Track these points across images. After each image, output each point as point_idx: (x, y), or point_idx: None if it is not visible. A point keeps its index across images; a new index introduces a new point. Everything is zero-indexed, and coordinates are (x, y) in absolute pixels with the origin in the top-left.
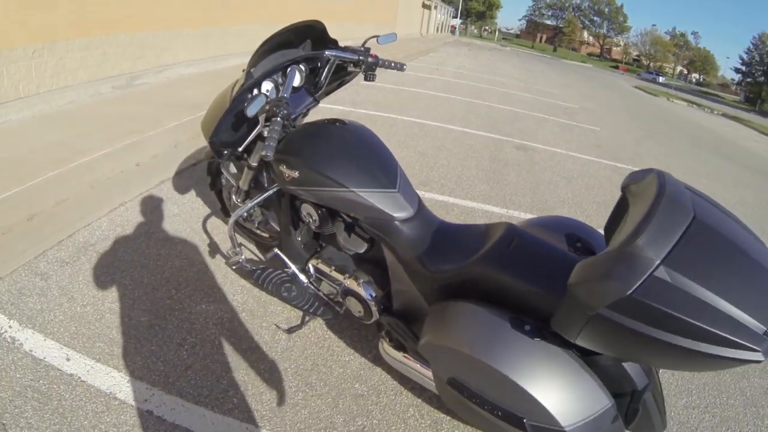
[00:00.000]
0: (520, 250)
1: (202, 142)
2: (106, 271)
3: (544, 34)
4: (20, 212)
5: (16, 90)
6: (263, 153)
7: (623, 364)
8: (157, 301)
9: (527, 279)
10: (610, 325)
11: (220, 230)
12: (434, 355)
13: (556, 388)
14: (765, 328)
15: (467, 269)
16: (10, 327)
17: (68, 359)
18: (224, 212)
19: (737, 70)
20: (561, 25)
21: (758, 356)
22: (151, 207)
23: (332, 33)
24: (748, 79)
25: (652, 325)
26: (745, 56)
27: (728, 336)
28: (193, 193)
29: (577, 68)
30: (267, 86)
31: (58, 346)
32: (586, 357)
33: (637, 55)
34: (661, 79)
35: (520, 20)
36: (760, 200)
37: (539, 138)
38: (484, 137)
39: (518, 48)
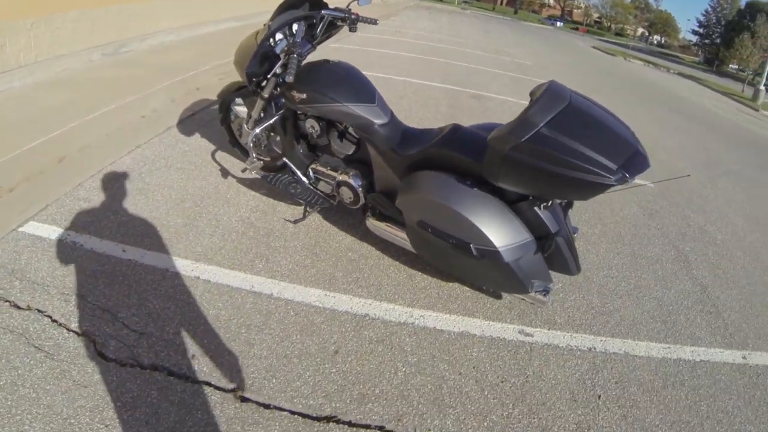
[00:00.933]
0: (461, 137)
1: (195, 98)
2: (138, 192)
3: None
4: (50, 157)
5: (18, 59)
6: (287, 77)
7: (538, 212)
8: (186, 209)
9: (465, 153)
10: (516, 164)
11: (227, 159)
12: (407, 206)
13: (491, 222)
14: (616, 165)
15: (427, 150)
16: (68, 235)
17: (124, 251)
18: (231, 142)
19: (695, 32)
20: None
21: (611, 181)
22: (164, 147)
23: None
24: (706, 41)
25: (542, 160)
26: (702, 19)
27: (592, 168)
28: (197, 135)
29: (537, 29)
30: (279, 36)
31: (113, 244)
32: (511, 205)
33: (599, 17)
34: (558, 24)
35: None
36: (698, 145)
37: (492, 89)
38: (443, 88)
39: (478, 11)
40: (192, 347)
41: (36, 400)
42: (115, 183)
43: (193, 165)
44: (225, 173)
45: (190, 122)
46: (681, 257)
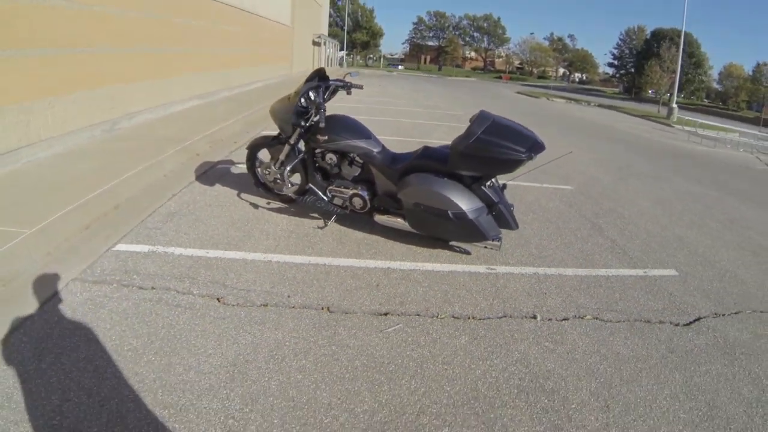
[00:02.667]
0: (431, 151)
1: (199, 161)
2: (196, 221)
3: (428, 55)
4: (106, 206)
5: (39, 134)
6: (320, 124)
7: (484, 189)
8: (239, 228)
9: (435, 160)
10: (468, 157)
11: (250, 197)
12: (405, 196)
13: (458, 196)
14: (525, 149)
15: (411, 163)
16: (157, 248)
17: (207, 252)
18: (256, 184)
19: (610, 65)
20: (443, 45)
21: (523, 157)
22: (196, 194)
23: (245, 75)
24: (622, 72)
25: (482, 152)
26: (615, 52)
27: (511, 152)
28: (218, 184)
29: (462, 83)
30: (312, 95)
31: (196, 249)
32: (468, 187)
33: (520, 63)
34: (400, 67)
35: (403, 44)
36: (613, 158)
37: (434, 136)
38: (396, 140)
39: (404, 72)
40: (283, 294)
41: (190, 331)
42: (173, 217)
43: (228, 203)
44: (255, 206)
45: (206, 177)
46: (596, 226)
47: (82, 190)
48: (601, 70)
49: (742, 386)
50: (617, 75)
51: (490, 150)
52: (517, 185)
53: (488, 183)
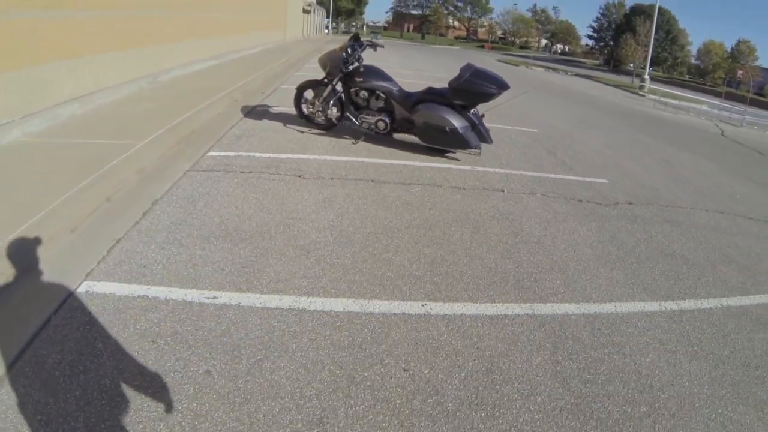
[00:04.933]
0: (433, 90)
1: (241, 104)
2: (260, 135)
3: (411, 24)
4: (193, 125)
5: (105, 82)
6: (359, 69)
7: (468, 114)
8: (298, 143)
9: (437, 95)
10: (459, 91)
11: (294, 125)
12: (418, 117)
13: (453, 117)
14: (496, 87)
15: (419, 97)
16: (241, 154)
17: (279, 155)
18: (300, 116)
19: (590, 37)
20: (427, 14)
21: (495, 92)
22: (251, 123)
23: (248, 40)
24: (601, 44)
25: (469, 88)
26: (595, 24)
27: (487, 89)
28: (264, 119)
29: (446, 51)
30: (350, 50)
31: (270, 154)
32: (462, 112)
33: (503, 34)
34: (379, 37)
35: (387, 12)
36: (577, 115)
37: None
38: None
39: (389, 39)
40: (341, 174)
41: (288, 190)
42: (240, 138)
43: (279, 129)
44: (301, 131)
45: (252, 114)
46: (551, 153)
47: (159, 122)
48: (583, 42)
49: (635, 232)
50: (597, 47)
51: (474, 87)
52: (496, 127)
53: (472, 111)
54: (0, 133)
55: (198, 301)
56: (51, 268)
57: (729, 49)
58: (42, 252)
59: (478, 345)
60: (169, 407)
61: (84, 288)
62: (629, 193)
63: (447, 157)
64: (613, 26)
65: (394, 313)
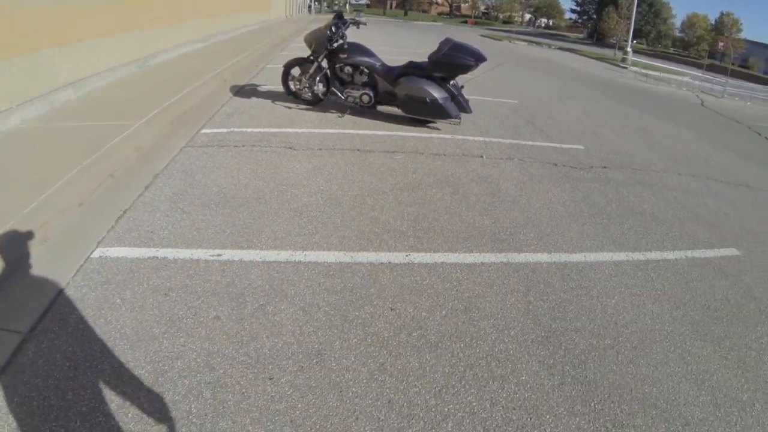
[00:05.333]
0: (415, 63)
1: (230, 84)
2: (250, 113)
3: (394, 1)
4: (189, 104)
5: (96, 67)
6: (343, 46)
7: (448, 86)
8: (286, 119)
9: (418, 69)
10: (439, 64)
11: (282, 102)
12: (400, 90)
13: (433, 89)
14: (474, 58)
15: (402, 70)
16: (233, 130)
17: (270, 130)
18: (287, 92)
19: (573, 11)
20: None
21: (473, 63)
22: (241, 102)
23: (233, 21)
24: (584, 17)
25: (448, 61)
26: None
27: (466, 61)
28: (253, 97)
29: (429, 27)
30: (334, 29)
31: (261, 129)
32: (441, 84)
33: (486, 9)
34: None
35: None
36: (557, 87)
37: None
38: None
39: (371, 17)
40: (329, 144)
41: (280, 160)
42: (231, 116)
43: (268, 106)
44: (289, 107)
45: (242, 93)
46: (530, 122)
47: (151, 103)
48: (567, 16)
49: (607, 192)
50: (580, 21)
51: (452, 59)
52: (477, 98)
53: (452, 82)
54: (0, 119)
55: (204, 259)
56: (65, 238)
57: (713, 22)
58: (55, 225)
59: (458, 288)
60: (183, 347)
61: (97, 254)
62: (604, 158)
63: (428, 127)
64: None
65: (381, 263)
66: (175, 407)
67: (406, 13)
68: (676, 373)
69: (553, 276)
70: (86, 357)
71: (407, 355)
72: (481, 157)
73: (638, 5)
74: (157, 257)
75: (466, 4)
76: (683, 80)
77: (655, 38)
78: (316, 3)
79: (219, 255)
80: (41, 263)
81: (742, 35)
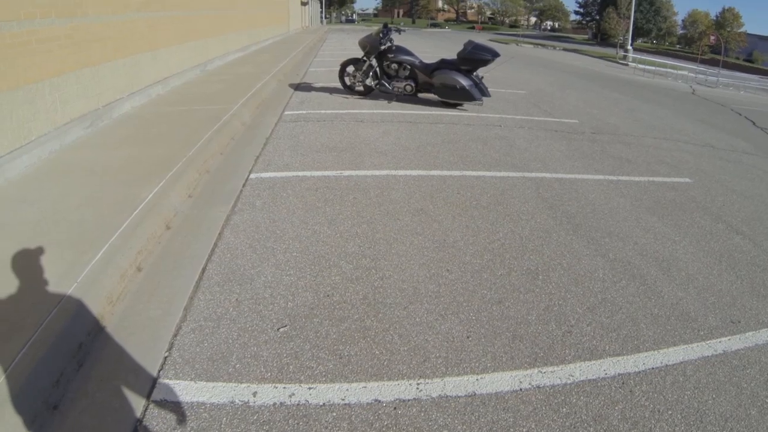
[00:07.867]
0: (447, 60)
1: (287, 82)
2: (318, 101)
3: (401, 9)
4: (261, 97)
5: (173, 69)
6: (391, 47)
7: (472, 76)
8: (345, 105)
9: (449, 64)
10: (465, 60)
11: (338, 94)
12: (437, 80)
13: (461, 79)
14: (491, 55)
15: (436, 66)
16: (309, 112)
17: (339, 111)
18: (343, 86)
19: (576, 12)
20: None
21: (490, 58)
22: (303, 95)
23: (261, 34)
24: (588, 19)
25: (472, 57)
26: (581, 0)
27: (484, 57)
28: (312, 92)
29: (439, 33)
30: (383, 34)
31: (332, 111)
32: (467, 75)
33: (492, 14)
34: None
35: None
36: (560, 80)
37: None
38: None
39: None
40: (389, 119)
41: (357, 128)
42: (302, 103)
43: (329, 97)
44: (346, 98)
45: (300, 89)
46: (535, 105)
47: (233, 95)
48: (572, 18)
49: (594, 146)
50: (584, 22)
51: (474, 55)
52: (492, 90)
53: (474, 74)
54: (118, 105)
55: (332, 176)
56: (222, 170)
57: (714, 17)
58: (211, 163)
59: (495, 186)
60: (339, 213)
61: (254, 176)
62: (594, 127)
63: (458, 109)
64: (599, 0)
65: (444, 176)
66: (346, 233)
67: (413, 21)
68: (631, 225)
69: (554, 183)
70: (273, 222)
71: (471, 210)
72: (500, 126)
73: (639, 4)
74: (298, 176)
75: (472, 10)
76: (680, 74)
77: (657, 36)
78: (326, 15)
79: (341, 173)
80: (216, 180)
81: (745, 29)
